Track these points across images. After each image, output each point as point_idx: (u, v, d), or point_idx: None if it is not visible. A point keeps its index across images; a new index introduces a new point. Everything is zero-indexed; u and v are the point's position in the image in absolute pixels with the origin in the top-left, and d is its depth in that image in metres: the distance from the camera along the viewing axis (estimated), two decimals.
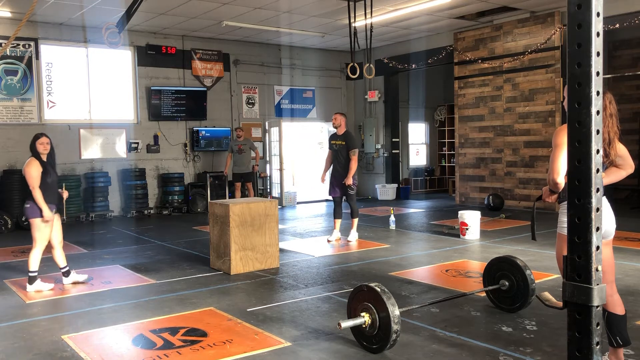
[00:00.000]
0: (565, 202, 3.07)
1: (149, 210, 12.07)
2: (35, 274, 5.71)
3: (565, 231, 3.13)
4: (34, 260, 5.67)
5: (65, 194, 6.05)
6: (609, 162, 3.29)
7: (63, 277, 5.94)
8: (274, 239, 6.60)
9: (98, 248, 8.18)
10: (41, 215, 5.57)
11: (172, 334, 4.31)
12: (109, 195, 11.60)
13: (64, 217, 5.99)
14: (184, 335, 4.30)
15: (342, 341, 4.07)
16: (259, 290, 5.63)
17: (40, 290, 5.70)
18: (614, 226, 3.37)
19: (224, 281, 6.00)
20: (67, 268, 5.93)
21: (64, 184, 6.08)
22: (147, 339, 4.22)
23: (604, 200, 3.09)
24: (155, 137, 12.46)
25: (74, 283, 5.92)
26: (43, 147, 5.64)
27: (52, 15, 10.47)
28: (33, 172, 5.55)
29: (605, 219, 3.19)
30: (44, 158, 5.69)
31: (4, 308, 5.15)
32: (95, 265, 6.99)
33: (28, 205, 5.62)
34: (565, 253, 3.23)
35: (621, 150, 3.32)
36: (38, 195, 5.54)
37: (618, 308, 3.30)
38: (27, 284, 5.70)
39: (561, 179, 3.09)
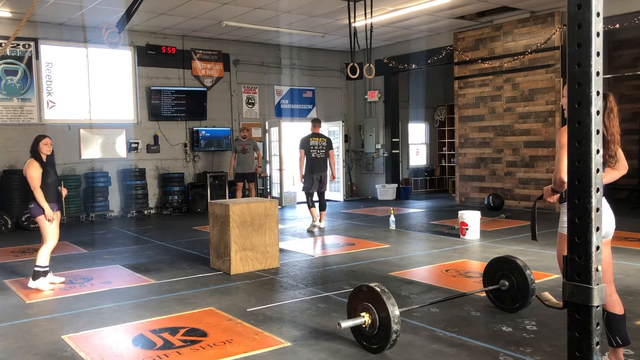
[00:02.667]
0: (567, 202, 3.10)
1: (149, 210, 12.07)
2: (41, 269, 5.76)
3: (566, 231, 3.16)
4: (43, 256, 5.75)
5: (65, 192, 6.15)
6: (615, 162, 3.31)
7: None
8: (274, 239, 6.60)
9: (98, 248, 8.18)
10: (44, 214, 5.70)
11: (172, 334, 4.31)
12: (109, 195, 11.60)
13: (64, 217, 6.07)
14: (184, 335, 4.30)
15: (342, 341, 4.07)
16: (259, 290, 5.63)
17: (40, 289, 5.71)
18: (614, 226, 3.40)
19: (224, 281, 6.01)
20: (48, 269, 5.94)
21: (62, 182, 6.14)
22: (147, 339, 4.22)
23: (603, 200, 3.13)
24: (155, 137, 12.46)
25: (51, 282, 5.89)
26: (47, 147, 5.78)
27: (52, 15, 10.47)
28: (34, 173, 5.67)
29: (605, 219, 3.23)
30: (44, 159, 5.77)
31: (4, 308, 5.15)
32: (95, 265, 6.99)
33: (32, 206, 5.76)
34: (566, 253, 3.23)
35: (619, 151, 3.37)
36: (39, 195, 5.67)
37: (617, 308, 3.32)
38: (30, 279, 5.75)
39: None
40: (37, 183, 5.66)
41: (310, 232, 9.38)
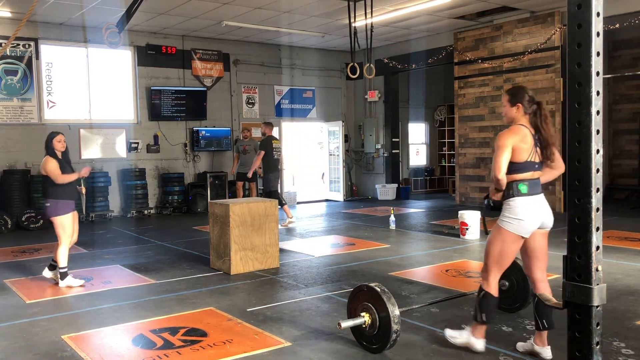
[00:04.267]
0: (509, 199, 3.63)
1: (149, 210, 12.07)
2: (66, 269, 5.85)
3: (503, 224, 3.66)
4: (62, 257, 5.81)
5: (83, 190, 6.26)
6: (552, 162, 3.69)
7: (59, 279, 5.93)
8: (274, 239, 6.59)
9: (98, 248, 8.18)
10: (63, 213, 5.78)
11: (172, 334, 4.31)
12: (109, 195, 11.59)
13: (83, 214, 6.19)
14: (184, 335, 4.30)
15: (342, 341, 4.07)
16: (259, 290, 5.63)
17: (71, 285, 5.81)
18: (552, 219, 3.72)
19: (224, 281, 6.01)
20: (66, 270, 5.94)
21: (82, 180, 6.18)
22: (147, 339, 4.22)
23: (541, 196, 3.64)
24: (155, 137, 12.46)
25: (68, 287, 5.89)
26: (61, 144, 5.86)
27: (52, 15, 10.47)
28: (52, 166, 5.73)
29: (544, 213, 3.65)
30: (59, 156, 5.83)
31: (4, 308, 5.15)
32: (95, 265, 7.00)
33: (49, 204, 5.79)
34: (496, 243, 3.65)
35: (555, 152, 3.72)
36: (66, 178, 5.77)
37: (547, 293, 3.62)
38: (59, 280, 5.84)
39: (502, 176, 3.56)
40: (59, 171, 5.72)
41: (285, 227, 9.80)
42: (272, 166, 9.98)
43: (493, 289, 3.71)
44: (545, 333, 3.70)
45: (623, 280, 5.58)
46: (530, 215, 3.59)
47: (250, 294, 5.46)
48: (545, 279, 3.77)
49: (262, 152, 9.91)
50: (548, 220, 3.69)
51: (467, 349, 3.85)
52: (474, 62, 12.28)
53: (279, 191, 10.29)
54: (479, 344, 3.77)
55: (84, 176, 5.99)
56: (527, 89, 3.79)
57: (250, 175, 10.31)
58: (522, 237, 3.63)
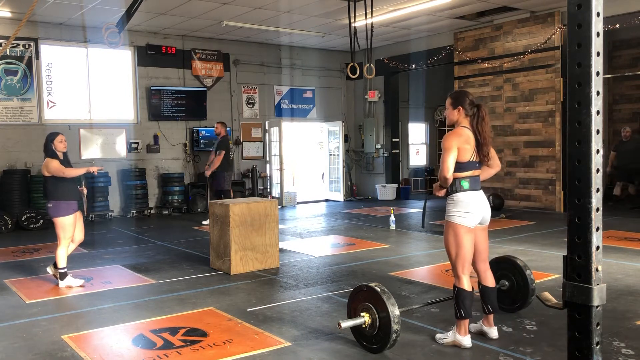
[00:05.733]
0: (452, 195, 3.92)
1: (149, 210, 12.07)
2: (65, 270, 5.85)
3: (452, 219, 3.90)
4: (61, 258, 5.81)
5: (84, 191, 6.24)
6: (488, 160, 3.99)
7: (59, 280, 5.92)
8: (274, 239, 6.59)
9: (98, 248, 8.18)
10: (65, 214, 5.72)
11: (172, 334, 4.31)
12: (109, 195, 11.58)
13: (85, 214, 6.17)
14: (184, 335, 4.30)
15: (342, 341, 4.07)
16: (259, 290, 5.63)
17: (71, 285, 5.82)
18: (490, 215, 4.04)
19: (224, 281, 6.01)
20: (65, 270, 5.94)
21: (83, 181, 6.18)
22: (147, 339, 4.22)
23: (481, 192, 3.89)
24: (155, 137, 12.45)
25: (68, 287, 5.88)
26: (62, 144, 5.87)
27: (52, 15, 10.46)
28: (56, 164, 5.73)
29: (485, 207, 3.95)
30: (60, 156, 5.84)
31: (4, 308, 5.15)
32: (95, 265, 7.00)
33: (51, 205, 5.78)
34: (450, 240, 3.88)
35: (492, 152, 4.04)
36: (73, 172, 5.78)
37: (490, 282, 4.09)
38: (59, 280, 5.85)
39: (450, 175, 3.86)
40: (62, 167, 5.70)
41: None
42: (228, 165, 10.23)
43: (464, 284, 3.86)
44: (491, 316, 4.05)
45: (623, 280, 5.58)
46: (474, 208, 3.88)
47: (250, 294, 5.46)
48: (488, 267, 4.14)
49: (224, 152, 10.00)
50: (487, 215, 3.99)
51: (466, 349, 3.85)
52: (474, 62, 12.28)
53: (230, 190, 10.38)
54: (465, 340, 3.88)
55: (94, 172, 6.00)
56: (468, 93, 4.09)
57: (208, 174, 10.24)
58: (471, 228, 3.87)
